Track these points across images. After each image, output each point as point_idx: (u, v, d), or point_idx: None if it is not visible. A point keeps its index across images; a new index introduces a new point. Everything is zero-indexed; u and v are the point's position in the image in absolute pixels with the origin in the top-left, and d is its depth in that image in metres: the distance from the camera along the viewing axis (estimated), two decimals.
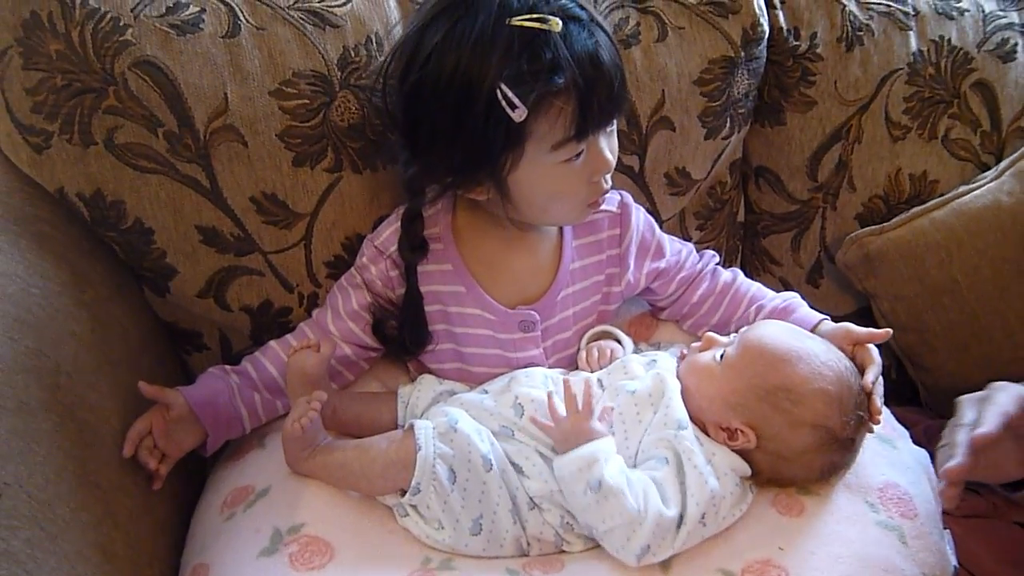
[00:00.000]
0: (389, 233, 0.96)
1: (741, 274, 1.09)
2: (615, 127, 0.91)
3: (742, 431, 0.85)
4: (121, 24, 0.88)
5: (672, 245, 1.07)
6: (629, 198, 1.03)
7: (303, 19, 0.95)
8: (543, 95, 0.81)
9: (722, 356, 0.90)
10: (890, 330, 0.96)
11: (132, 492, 0.85)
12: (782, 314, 1.01)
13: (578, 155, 0.87)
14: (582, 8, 0.86)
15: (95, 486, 0.79)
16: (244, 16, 0.93)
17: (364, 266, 0.98)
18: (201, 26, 0.92)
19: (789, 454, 0.85)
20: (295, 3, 0.95)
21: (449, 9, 0.83)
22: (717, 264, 1.09)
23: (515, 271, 0.98)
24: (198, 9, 0.92)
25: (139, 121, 0.90)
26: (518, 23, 0.81)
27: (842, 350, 0.91)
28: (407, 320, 0.96)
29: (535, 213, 0.92)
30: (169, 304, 1.03)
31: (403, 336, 0.97)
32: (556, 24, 0.81)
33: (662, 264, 1.05)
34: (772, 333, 0.90)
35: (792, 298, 1.04)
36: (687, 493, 0.81)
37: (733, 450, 0.86)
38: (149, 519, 0.87)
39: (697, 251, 1.10)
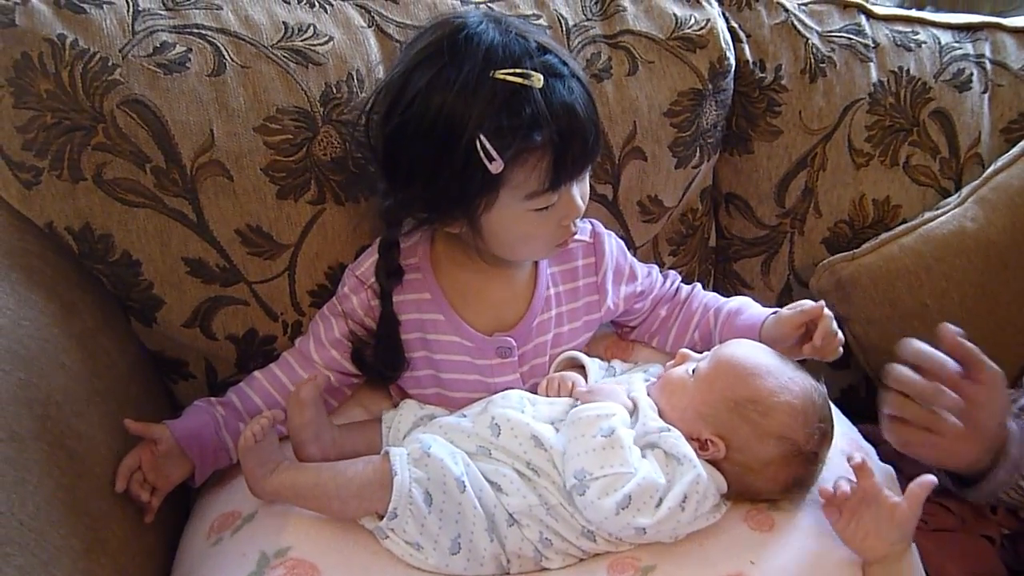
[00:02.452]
0: (370, 263, 0.98)
1: (699, 287, 1.14)
2: (588, 173, 0.94)
3: (712, 441, 0.88)
4: (110, 64, 0.91)
5: (641, 268, 1.10)
6: (600, 226, 1.07)
7: (286, 57, 0.98)
8: (520, 150, 0.84)
9: (694, 371, 0.93)
10: (822, 302, 0.98)
11: (121, 519, 0.87)
12: (735, 315, 1.06)
13: (551, 204, 0.89)
14: (564, 64, 0.88)
15: (85, 514, 0.81)
16: (229, 55, 0.96)
17: (345, 296, 0.99)
18: (187, 65, 0.94)
19: (756, 465, 0.88)
20: (278, 42, 0.98)
21: (437, 55, 0.85)
22: (680, 282, 1.14)
23: (492, 299, 1.00)
24: (184, 49, 0.94)
25: (127, 157, 0.93)
26: (501, 76, 0.83)
27: (792, 334, 0.98)
28: (382, 345, 0.98)
29: (505, 250, 0.95)
30: (156, 334, 1.04)
31: (379, 361, 0.99)
32: (538, 80, 0.83)
33: (637, 287, 1.08)
34: (744, 349, 0.94)
35: (743, 300, 1.09)
36: (675, 473, 0.85)
37: (702, 460, 0.88)
38: (137, 545, 0.89)
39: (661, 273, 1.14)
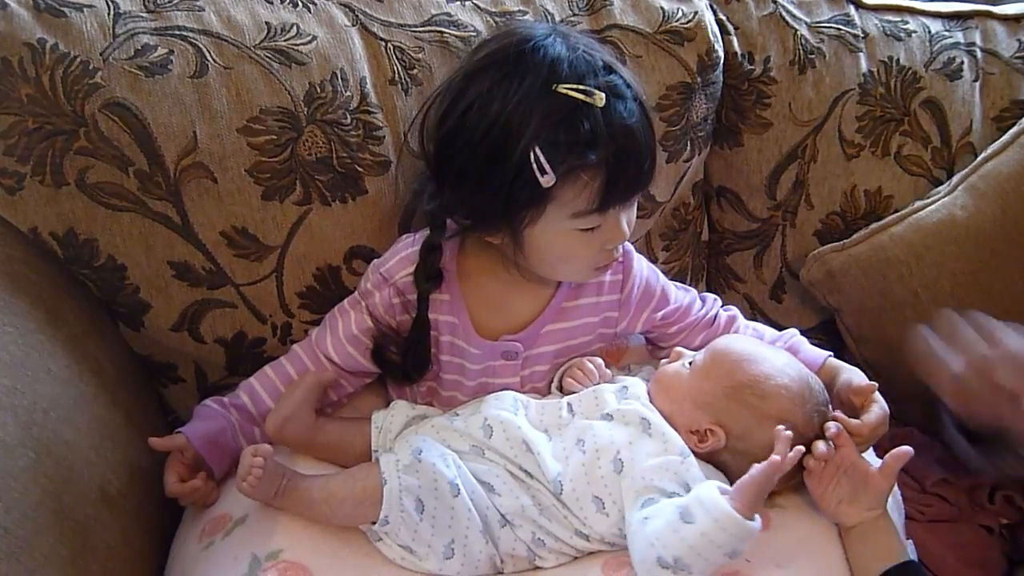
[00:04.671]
0: (395, 261, 0.97)
1: (740, 315, 1.10)
2: (636, 199, 0.93)
3: (711, 430, 0.88)
4: (91, 67, 0.90)
5: (676, 293, 1.07)
6: (630, 246, 1.04)
7: (269, 57, 0.98)
8: (573, 166, 0.83)
9: (690, 363, 0.94)
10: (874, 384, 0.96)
11: (110, 525, 0.86)
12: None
13: (596, 225, 0.89)
14: (628, 86, 0.88)
15: (72, 521, 0.80)
16: (211, 56, 0.95)
17: (368, 292, 0.99)
18: (169, 67, 0.94)
19: (757, 451, 0.87)
20: (261, 42, 0.98)
21: (500, 63, 0.85)
22: (720, 308, 1.11)
23: (511, 307, 0.99)
24: (166, 51, 0.94)
25: (110, 161, 0.92)
26: (564, 91, 0.83)
27: (850, 403, 0.94)
28: (413, 346, 0.97)
29: (544, 268, 0.94)
30: (144, 338, 1.04)
31: (406, 362, 0.98)
32: (600, 99, 0.83)
33: (662, 313, 1.05)
34: (737, 340, 0.96)
35: (793, 337, 1.06)
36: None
37: (703, 454, 0.88)
38: (127, 551, 0.88)
39: (700, 296, 1.11)
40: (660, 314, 1.05)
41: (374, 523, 0.86)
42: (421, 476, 0.86)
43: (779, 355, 0.93)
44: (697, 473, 0.85)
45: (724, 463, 0.89)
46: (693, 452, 0.88)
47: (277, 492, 0.87)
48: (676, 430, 0.89)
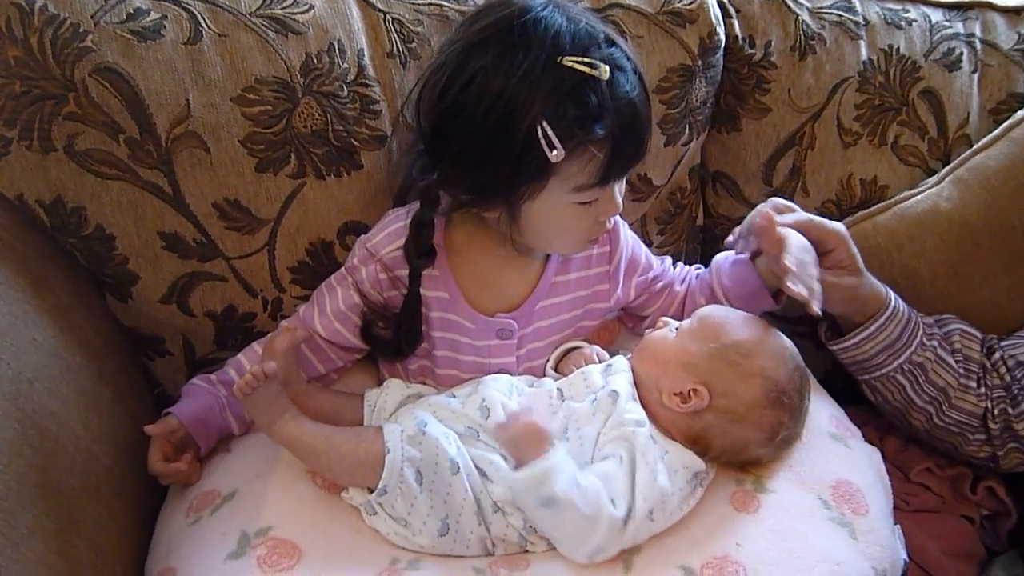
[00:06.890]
0: (382, 236, 0.96)
1: (703, 267, 1.13)
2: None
3: (695, 390, 0.89)
4: (81, 30, 0.88)
5: (655, 259, 1.09)
6: (617, 216, 1.03)
7: (265, 26, 0.95)
8: (581, 141, 0.82)
9: (676, 328, 0.95)
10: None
11: (95, 499, 0.85)
12: (724, 262, 1.07)
13: (595, 199, 0.89)
14: (628, 58, 0.87)
15: (58, 494, 0.79)
16: (206, 23, 0.93)
17: (355, 267, 0.98)
18: (162, 33, 0.91)
19: (741, 408, 0.89)
20: (257, 10, 0.96)
21: (501, 35, 0.83)
22: (688, 267, 1.13)
23: (501, 283, 0.99)
24: (159, 16, 0.92)
25: (100, 127, 0.90)
26: (570, 64, 0.81)
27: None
28: (405, 322, 0.97)
29: (540, 241, 0.94)
30: (131, 310, 1.03)
31: (399, 338, 0.97)
32: (605, 72, 0.82)
33: (649, 276, 1.07)
34: (724, 309, 0.98)
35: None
36: (636, 490, 0.84)
37: (686, 414, 0.89)
38: (113, 525, 0.87)
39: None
40: (646, 277, 1.07)
41: (371, 491, 0.85)
42: (424, 449, 0.86)
43: (761, 321, 0.95)
44: (643, 441, 0.86)
45: (708, 424, 0.89)
46: (676, 413, 0.89)
47: (273, 419, 0.86)
48: (661, 393, 0.90)
